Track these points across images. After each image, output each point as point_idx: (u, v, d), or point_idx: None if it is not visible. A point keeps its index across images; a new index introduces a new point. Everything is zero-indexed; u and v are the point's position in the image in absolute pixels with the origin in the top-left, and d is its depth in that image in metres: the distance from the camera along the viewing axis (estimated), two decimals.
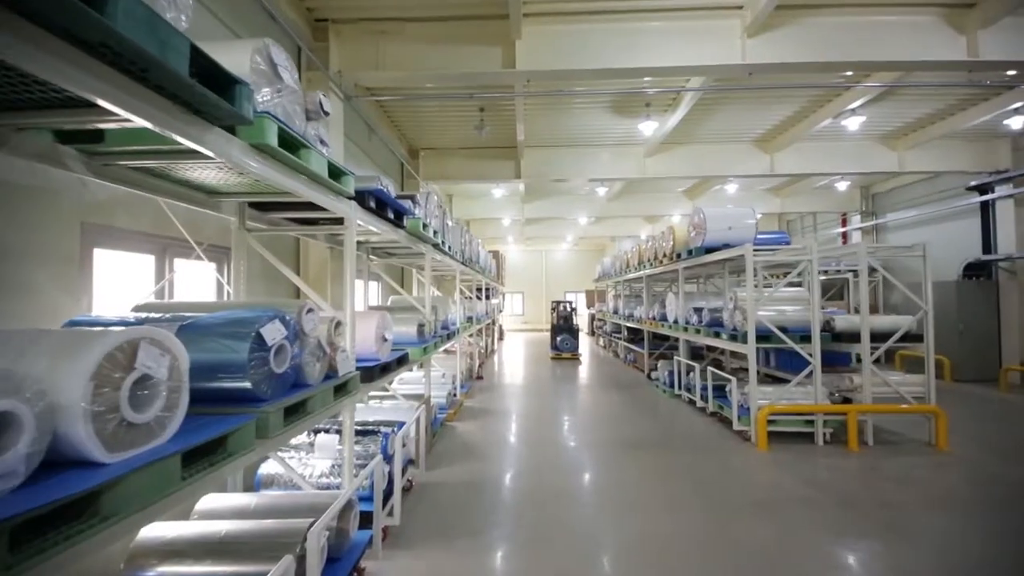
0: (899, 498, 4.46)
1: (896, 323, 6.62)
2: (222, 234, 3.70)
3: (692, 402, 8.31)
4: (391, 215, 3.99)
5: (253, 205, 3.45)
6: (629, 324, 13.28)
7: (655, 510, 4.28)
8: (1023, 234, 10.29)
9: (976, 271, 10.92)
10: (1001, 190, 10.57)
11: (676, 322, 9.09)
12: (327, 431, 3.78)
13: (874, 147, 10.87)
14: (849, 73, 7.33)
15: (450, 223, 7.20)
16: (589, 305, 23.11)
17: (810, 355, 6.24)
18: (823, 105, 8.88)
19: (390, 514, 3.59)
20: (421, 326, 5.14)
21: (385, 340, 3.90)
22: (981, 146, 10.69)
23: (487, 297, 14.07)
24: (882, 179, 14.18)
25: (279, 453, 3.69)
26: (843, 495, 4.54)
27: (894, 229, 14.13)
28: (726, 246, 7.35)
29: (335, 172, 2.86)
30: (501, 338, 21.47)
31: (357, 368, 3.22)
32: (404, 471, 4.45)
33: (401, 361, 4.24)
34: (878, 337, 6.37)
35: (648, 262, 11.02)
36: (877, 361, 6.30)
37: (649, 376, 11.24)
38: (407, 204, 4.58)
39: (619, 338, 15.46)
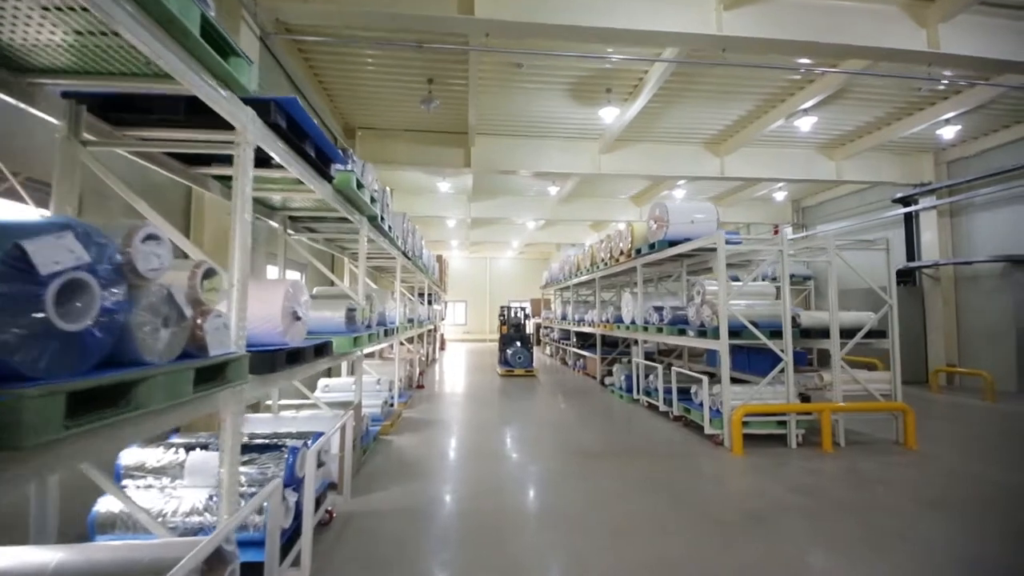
0: (896, 502, 4.03)
1: (860, 319, 6.46)
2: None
3: (653, 407, 7.77)
4: (312, 154, 2.99)
5: (96, 112, 2.34)
6: (580, 329, 12.73)
7: (638, 531, 3.52)
8: (945, 242, 10.94)
9: (904, 278, 11.46)
10: (924, 201, 11.22)
11: (634, 323, 8.59)
12: (205, 447, 2.67)
13: (815, 156, 11.21)
14: (806, 64, 7.25)
15: (390, 203, 6.21)
16: (535, 314, 22.59)
17: (782, 351, 5.87)
18: (775, 105, 8.89)
19: (296, 563, 2.53)
20: (351, 311, 4.09)
21: (297, 319, 2.87)
22: (908, 159, 11.34)
23: (429, 303, 12.99)
24: (813, 191, 14.84)
25: (129, 480, 2.53)
26: (837, 501, 4.05)
27: (824, 239, 14.76)
28: (687, 240, 6.98)
29: (219, 44, 1.87)
30: (443, 348, 20.34)
31: (249, 350, 2.21)
32: (321, 499, 3.37)
33: (321, 351, 3.20)
34: (842, 333, 6.14)
35: (602, 262, 10.54)
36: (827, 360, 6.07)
37: (603, 382, 10.68)
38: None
39: (568, 345, 14.93)
